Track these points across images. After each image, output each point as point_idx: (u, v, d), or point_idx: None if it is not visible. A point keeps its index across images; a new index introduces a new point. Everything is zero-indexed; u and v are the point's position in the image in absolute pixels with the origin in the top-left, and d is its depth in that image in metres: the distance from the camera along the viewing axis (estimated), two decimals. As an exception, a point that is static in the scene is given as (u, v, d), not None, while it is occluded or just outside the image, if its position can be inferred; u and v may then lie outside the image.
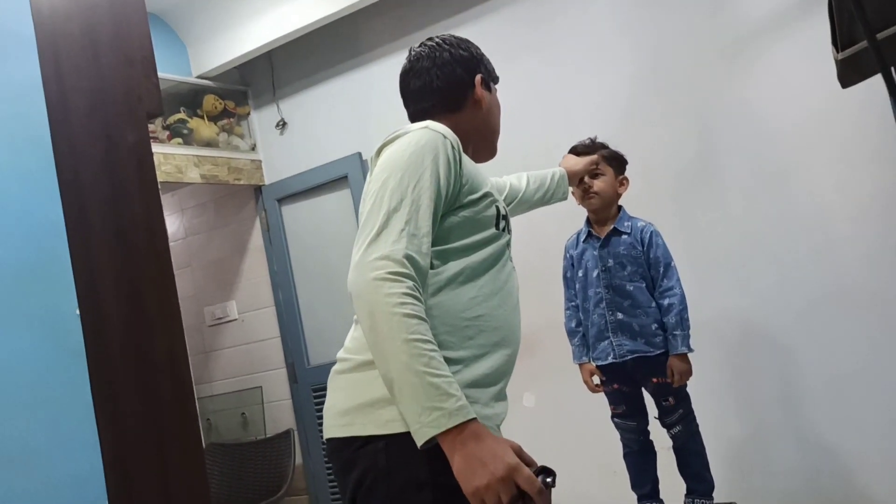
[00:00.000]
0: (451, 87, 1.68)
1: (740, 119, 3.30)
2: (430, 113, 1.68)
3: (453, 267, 1.47)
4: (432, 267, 1.44)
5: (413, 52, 1.73)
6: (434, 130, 1.48)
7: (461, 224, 1.50)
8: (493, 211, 1.55)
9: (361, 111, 4.37)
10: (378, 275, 1.30)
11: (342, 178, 4.43)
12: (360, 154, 4.36)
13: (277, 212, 4.69)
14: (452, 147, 1.48)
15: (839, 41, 1.69)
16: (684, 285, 2.78)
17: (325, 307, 4.55)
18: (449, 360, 1.35)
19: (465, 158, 1.54)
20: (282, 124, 4.69)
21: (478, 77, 1.70)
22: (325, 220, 4.55)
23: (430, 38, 1.73)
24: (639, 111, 3.52)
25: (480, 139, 1.72)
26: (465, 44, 1.73)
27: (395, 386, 1.27)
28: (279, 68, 4.68)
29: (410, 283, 1.32)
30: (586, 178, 2.78)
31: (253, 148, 4.78)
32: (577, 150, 2.80)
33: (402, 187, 1.40)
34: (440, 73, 1.67)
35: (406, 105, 1.75)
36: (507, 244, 1.61)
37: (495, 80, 1.79)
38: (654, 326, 2.74)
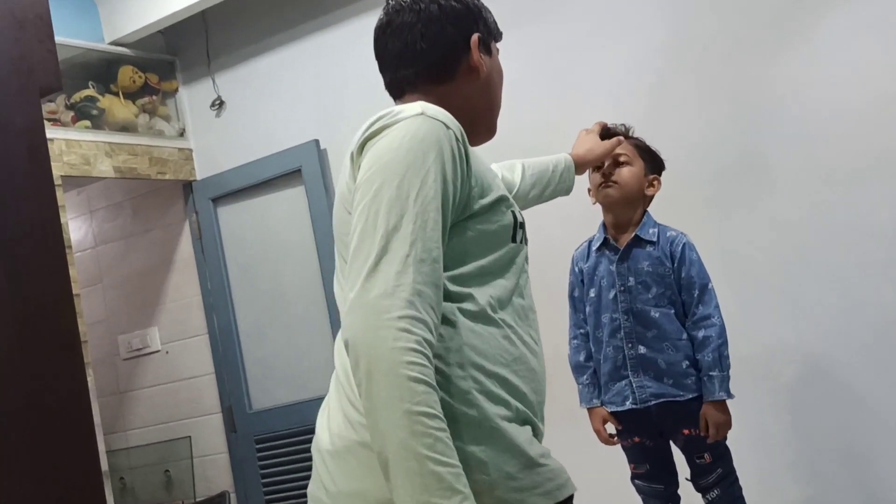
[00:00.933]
0: (439, 51, 1.63)
1: (795, 103, 3.32)
2: (413, 83, 1.64)
3: (469, 302, 1.45)
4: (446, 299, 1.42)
5: (391, 2, 1.68)
6: (432, 118, 1.45)
7: (473, 242, 1.48)
8: (509, 219, 1.54)
9: (321, 87, 4.38)
10: (381, 321, 1.28)
11: (295, 171, 4.45)
12: (317, 142, 4.38)
13: (212, 214, 4.70)
14: (457, 139, 1.45)
15: None
16: (724, 312, 2.78)
17: (274, 336, 4.55)
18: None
19: (473, 153, 1.52)
20: (219, 104, 4.71)
21: (474, 37, 1.65)
22: (274, 225, 4.56)
23: None
24: (668, 92, 3.55)
25: (477, 117, 1.68)
26: None
27: (390, 467, 1.26)
28: (215, 33, 4.69)
29: (421, 333, 1.29)
30: (608, 165, 2.78)
31: (181, 134, 4.78)
32: (605, 128, 2.78)
33: (402, 198, 1.36)
34: (426, 31, 1.62)
35: (382, 71, 1.71)
36: (526, 260, 1.62)
37: (497, 37, 1.75)
38: (684, 364, 2.75)
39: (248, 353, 4.63)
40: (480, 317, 1.45)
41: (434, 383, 1.29)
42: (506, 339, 1.47)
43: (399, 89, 1.67)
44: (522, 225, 1.60)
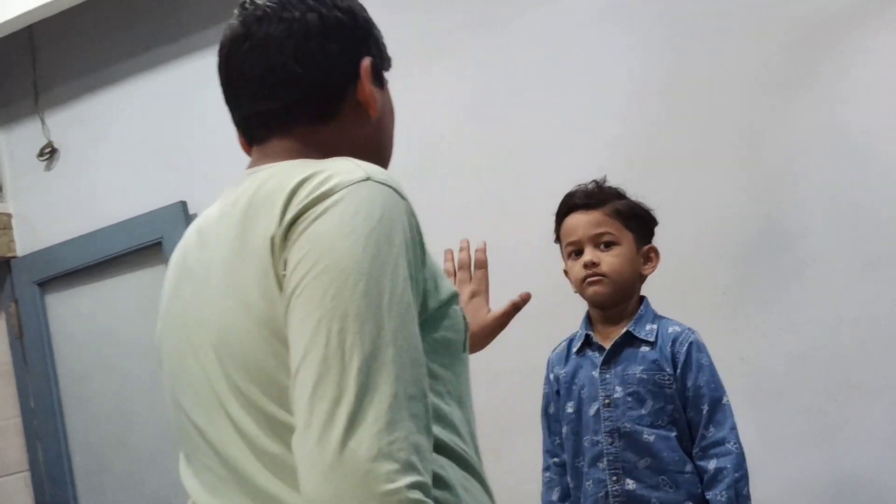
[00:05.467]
0: (319, 77, 1.52)
1: (824, 154, 3.38)
2: (283, 122, 1.54)
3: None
4: None
5: (248, 5, 1.55)
6: (383, 184, 1.36)
7: (432, 356, 1.40)
8: (461, 322, 1.51)
9: (188, 131, 4.42)
10: (382, 495, 1.19)
11: (154, 244, 4.47)
12: (184, 204, 4.40)
13: (38, 304, 4.71)
14: (413, 214, 1.38)
15: None
16: (742, 435, 2.79)
17: (120, 474, 4.53)
18: None
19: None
20: (49, 152, 4.73)
21: (366, 62, 1.55)
22: (124, 317, 4.57)
23: None
24: (658, 137, 3.60)
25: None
26: (352, 2, 1.59)
27: None
28: (45, 54, 4.74)
29: (430, 499, 1.24)
30: (590, 250, 2.81)
31: (-3, 193, 4.75)
32: (573, 199, 2.85)
33: (373, 308, 1.26)
34: (301, 49, 1.50)
35: (232, 102, 1.60)
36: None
37: (387, 65, 1.65)
38: (689, 506, 2.76)
39: (84, 499, 4.59)
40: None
41: None
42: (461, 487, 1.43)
43: (261, 129, 1.56)
44: (468, 329, 1.56)
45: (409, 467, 1.21)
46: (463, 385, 1.50)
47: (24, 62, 4.75)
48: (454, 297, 1.48)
